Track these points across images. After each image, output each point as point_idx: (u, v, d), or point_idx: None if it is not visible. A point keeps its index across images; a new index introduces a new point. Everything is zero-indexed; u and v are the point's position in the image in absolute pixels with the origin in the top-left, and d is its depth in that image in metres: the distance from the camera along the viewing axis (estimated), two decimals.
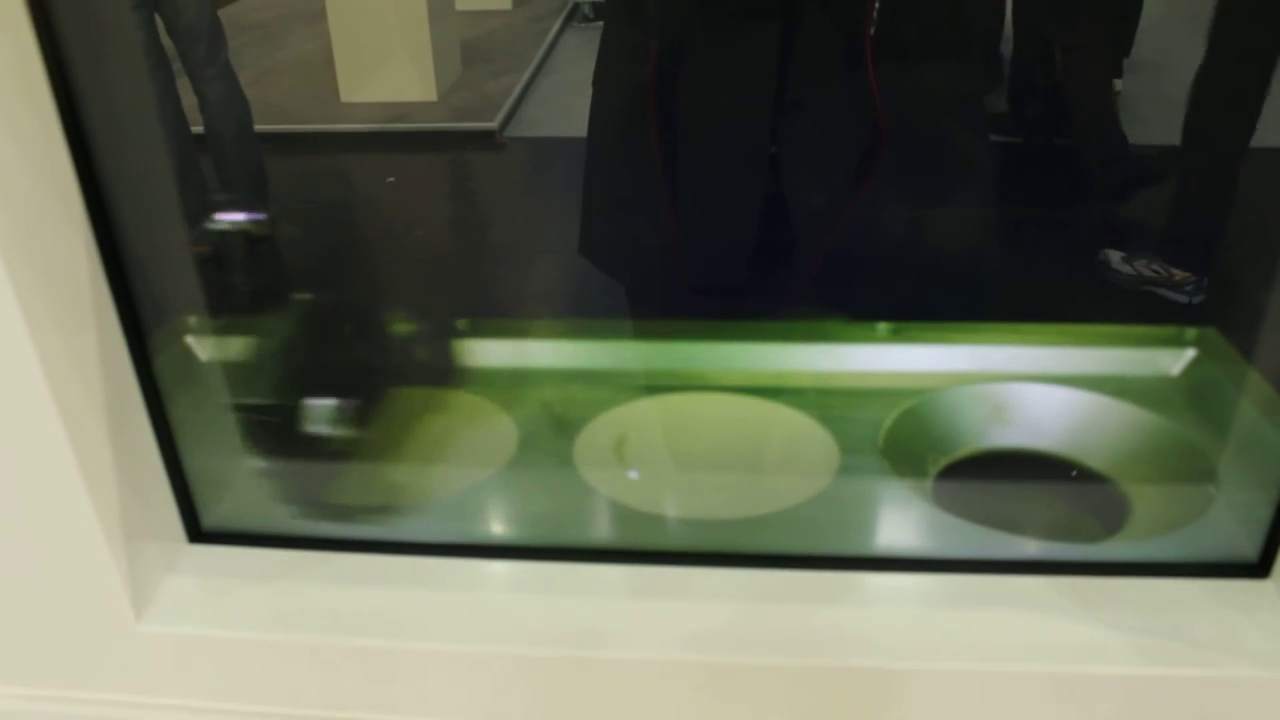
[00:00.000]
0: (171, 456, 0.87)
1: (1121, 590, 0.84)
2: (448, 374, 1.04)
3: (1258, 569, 0.85)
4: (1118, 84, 4.45)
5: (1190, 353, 1.10)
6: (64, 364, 0.74)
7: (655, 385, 1.10)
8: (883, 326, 1.14)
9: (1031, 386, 1.06)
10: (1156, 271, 3.15)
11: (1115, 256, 3.25)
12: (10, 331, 0.71)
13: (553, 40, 5.69)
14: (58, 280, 0.73)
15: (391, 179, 4.27)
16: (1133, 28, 4.40)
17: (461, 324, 1.13)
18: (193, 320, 0.94)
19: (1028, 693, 0.79)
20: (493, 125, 4.58)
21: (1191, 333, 1.10)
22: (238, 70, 3.45)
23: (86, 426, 0.77)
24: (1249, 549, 0.85)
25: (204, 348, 0.96)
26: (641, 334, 1.16)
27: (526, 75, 5.15)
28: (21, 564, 0.81)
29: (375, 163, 4.46)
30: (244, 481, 0.98)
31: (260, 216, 3.62)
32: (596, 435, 1.02)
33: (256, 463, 0.99)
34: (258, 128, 3.57)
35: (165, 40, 3.21)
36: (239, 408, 0.99)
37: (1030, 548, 0.90)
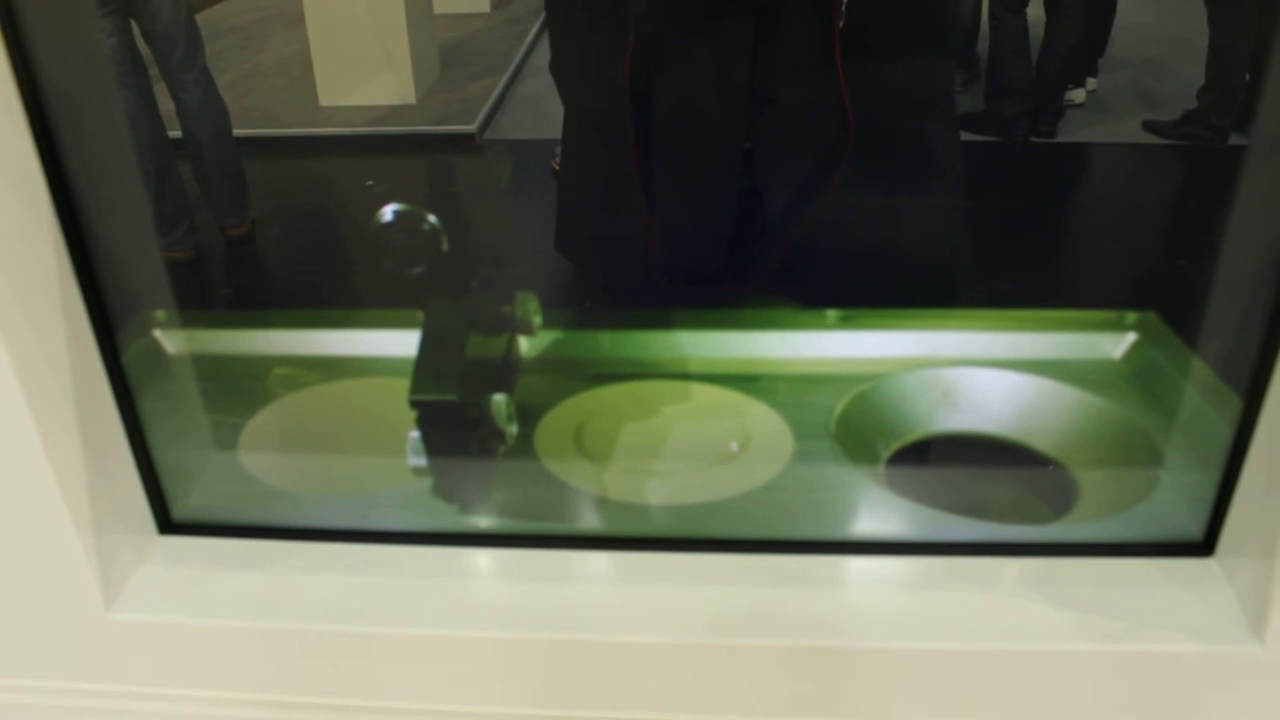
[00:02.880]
0: (141, 450, 0.88)
1: (1071, 570, 0.86)
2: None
3: (1202, 547, 0.87)
4: (1092, 83, 4.48)
5: (1131, 336, 1.12)
6: (34, 360, 0.76)
7: (613, 374, 1.12)
8: (832, 313, 1.15)
9: (979, 371, 1.08)
10: None
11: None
12: None
13: (531, 43, 5.69)
14: (26, 278, 0.75)
15: (371, 182, 4.27)
16: (1107, 28, 4.43)
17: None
18: (161, 316, 0.95)
19: (980, 671, 0.81)
20: (471, 128, 4.58)
21: (1132, 317, 1.13)
22: (217, 74, 3.44)
23: (56, 421, 0.78)
24: (1194, 528, 0.87)
25: (172, 341, 0.97)
26: (600, 323, 1.18)
27: (505, 78, 5.14)
28: None
29: (354, 166, 4.45)
30: (213, 473, 0.99)
31: (239, 220, 3.62)
32: (555, 423, 1.03)
33: (225, 455, 1.01)
34: (237, 132, 3.57)
35: (142, 45, 3.20)
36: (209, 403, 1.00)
37: (981, 530, 0.92)
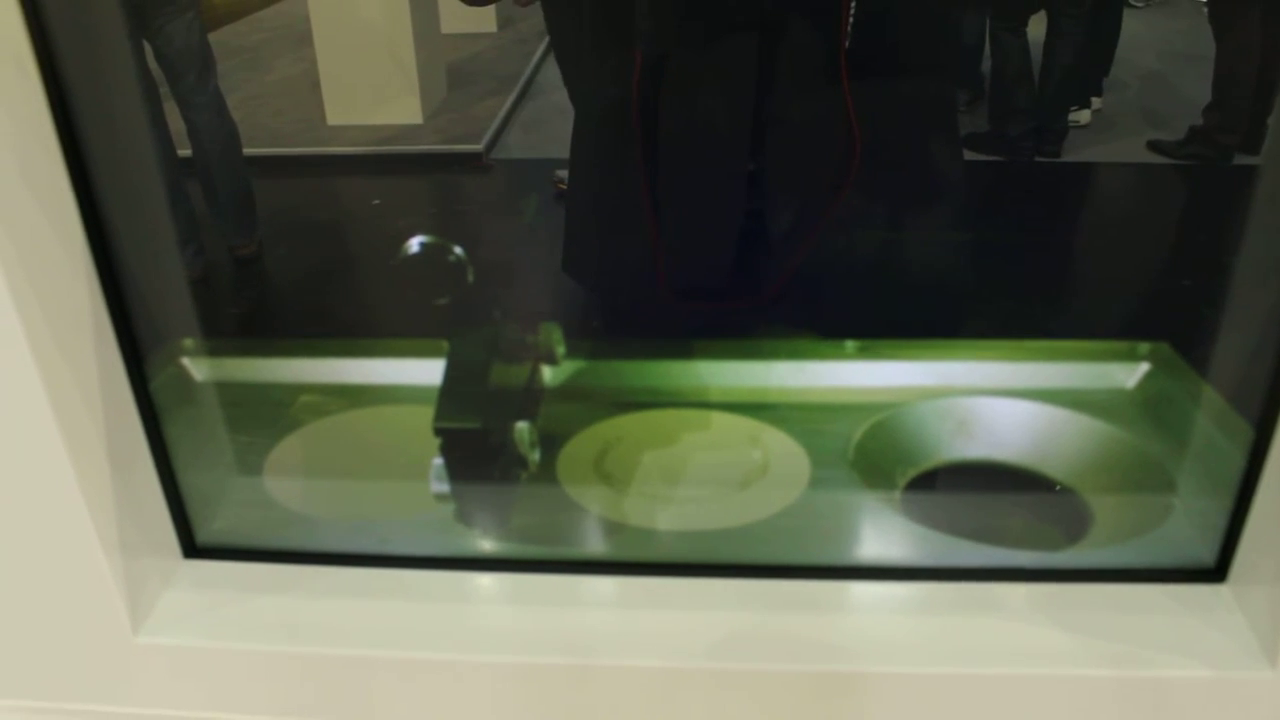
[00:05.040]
0: (167, 475, 0.89)
1: (1084, 595, 0.87)
2: None
3: (1214, 573, 0.88)
4: (1097, 102, 4.50)
5: (1144, 366, 1.13)
6: (66, 386, 0.77)
7: (633, 402, 1.14)
8: (851, 344, 1.17)
9: (994, 400, 1.10)
10: None
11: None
12: (14, 355, 0.74)
13: (538, 63, 5.72)
14: (59, 306, 0.76)
15: (378, 201, 4.29)
16: (1111, 48, 4.45)
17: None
18: (189, 344, 0.96)
19: (993, 696, 0.82)
20: (478, 148, 4.60)
21: (1144, 347, 1.14)
22: (226, 94, 3.47)
23: (87, 446, 0.79)
24: (1206, 554, 0.88)
25: (198, 369, 0.98)
26: (620, 352, 1.19)
27: (512, 98, 5.17)
28: (23, 580, 0.84)
29: (362, 185, 4.47)
30: (236, 498, 1.01)
31: (248, 240, 3.64)
32: (577, 450, 1.05)
33: (248, 480, 1.02)
34: (245, 151, 3.59)
35: (153, 66, 3.22)
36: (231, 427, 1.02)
37: (995, 556, 0.93)
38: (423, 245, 0.86)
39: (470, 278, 0.87)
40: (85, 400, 0.79)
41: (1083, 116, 4.40)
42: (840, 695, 0.82)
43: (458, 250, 0.86)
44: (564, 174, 3.68)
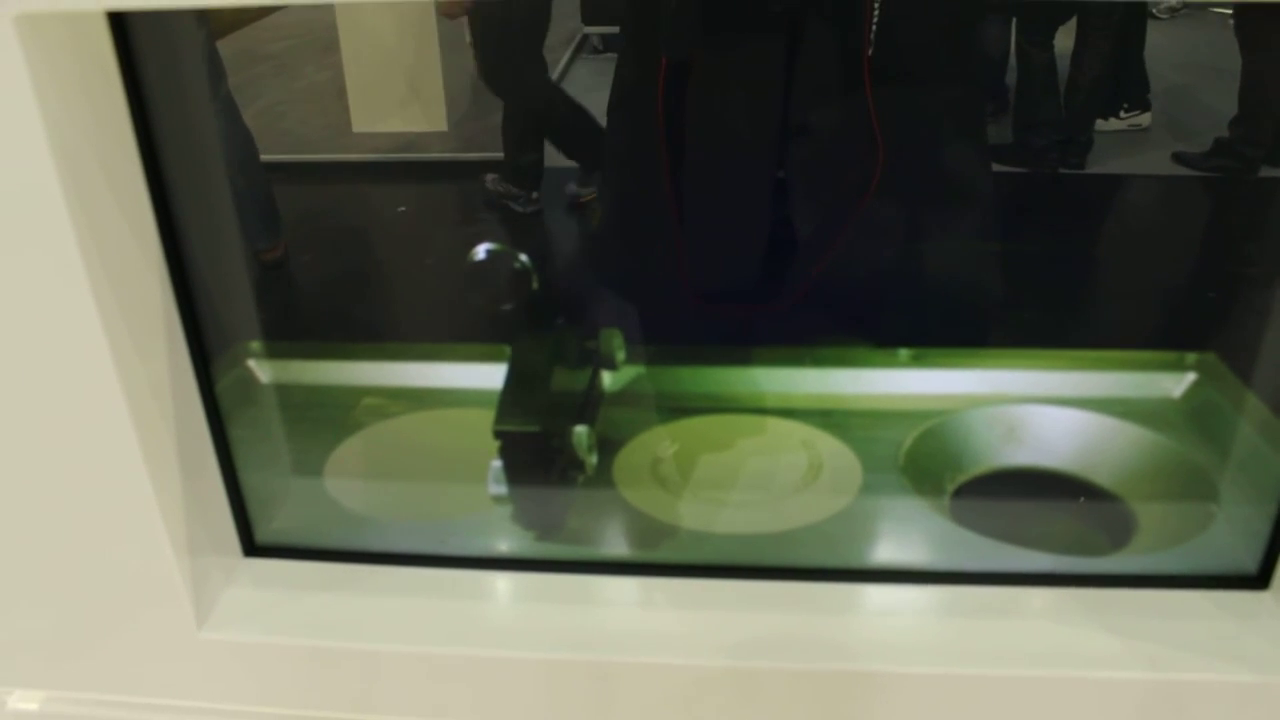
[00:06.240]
0: (229, 474, 0.91)
1: (1128, 601, 0.88)
2: None
3: (1257, 580, 0.89)
4: (1146, 119, 4.46)
5: (1191, 376, 1.14)
6: (141, 389, 0.79)
7: (690, 407, 1.16)
8: (904, 352, 1.18)
9: (1043, 408, 1.11)
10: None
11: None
12: (96, 359, 0.76)
13: (562, 71, 5.72)
14: (136, 308, 0.78)
15: (403, 208, 4.31)
16: (1137, 61, 4.44)
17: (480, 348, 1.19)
18: (255, 347, 0.98)
19: (1039, 697, 0.83)
20: (502, 155, 4.61)
21: (1192, 357, 1.15)
22: (252, 100, 3.48)
23: (160, 448, 0.82)
24: (1248, 562, 0.89)
25: (261, 370, 1.00)
26: (675, 358, 1.21)
27: None
28: (96, 576, 0.86)
29: (387, 191, 4.49)
30: (293, 498, 1.03)
31: (272, 245, 3.65)
32: (634, 454, 1.06)
33: (305, 480, 1.04)
34: (272, 157, 3.60)
35: None
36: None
37: (1042, 561, 0.94)
38: (489, 253, 0.88)
39: (535, 285, 0.89)
40: (158, 403, 0.81)
41: (1144, 120, 4.35)
42: (876, 697, 0.84)
43: (523, 258, 0.88)
44: (575, 189, 3.70)
